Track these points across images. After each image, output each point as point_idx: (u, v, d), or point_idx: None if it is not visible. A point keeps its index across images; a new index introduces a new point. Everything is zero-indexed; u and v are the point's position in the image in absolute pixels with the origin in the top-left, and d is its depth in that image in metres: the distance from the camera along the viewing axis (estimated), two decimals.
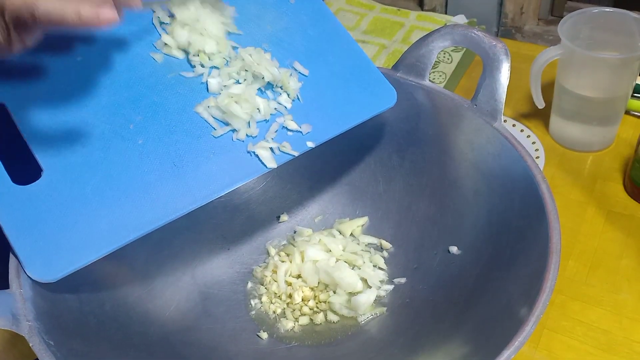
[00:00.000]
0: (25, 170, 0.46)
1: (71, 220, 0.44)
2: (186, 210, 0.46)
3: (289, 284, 0.57)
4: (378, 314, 0.55)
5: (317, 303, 0.57)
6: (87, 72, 0.48)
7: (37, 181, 0.45)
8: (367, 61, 0.55)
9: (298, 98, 0.52)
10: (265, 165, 0.48)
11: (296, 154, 0.49)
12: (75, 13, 0.37)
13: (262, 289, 0.58)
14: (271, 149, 0.49)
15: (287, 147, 0.49)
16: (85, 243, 0.44)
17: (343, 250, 0.59)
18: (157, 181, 0.46)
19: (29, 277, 0.43)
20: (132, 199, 0.45)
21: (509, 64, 0.53)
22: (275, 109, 0.50)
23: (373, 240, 0.61)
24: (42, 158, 0.46)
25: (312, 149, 0.50)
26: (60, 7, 0.37)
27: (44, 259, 0.43)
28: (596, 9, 0.70)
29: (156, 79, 0.49)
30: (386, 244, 0.61)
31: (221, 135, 0.48)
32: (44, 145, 0.46)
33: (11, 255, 0.44)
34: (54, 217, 0.44)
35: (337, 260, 0.58)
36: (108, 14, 0.37)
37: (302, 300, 0.56)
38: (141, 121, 0.48)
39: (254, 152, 0.48)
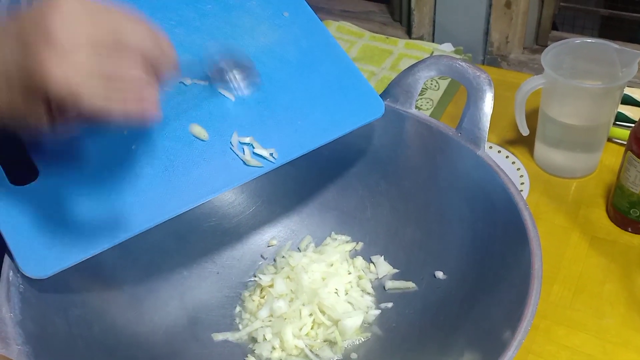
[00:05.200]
0: (23, 172, 0.47)
1: (65, 220, 0.45)
2: (176, 212, 0.47)
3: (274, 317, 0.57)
4: (364, 339, 0.56)
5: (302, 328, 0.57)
6: None
7: (33, 182, 0.46)
8: (358, 73, 0.57)
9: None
10: (253, 171, 0.50)
11: (285, 160, 0.51)
12: (121, 108, 0.36)
13: (250, 314, 0.58)
14: (262, 156, 0.50)
15: (276, 154, 0.51)
16: (78, 242, 0.45)
17: (331, 275, 0.59)
18: (148, 185, 0.47)
19: (19, 300, 0.44)
20: (124, 201, 0.47)
21: (492, 94, 0.54)
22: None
23: (361, 264, 0.61)
24: (39, 161, 0.47)
25: (302, 172, 0.51)
26: (107, 101, 0.36)
27: (37, 257, 0.44)
28: (578, 40, 0.72)
29: None
30: (374, 269, 0.61)
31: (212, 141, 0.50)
32: (41, 149, 0.47)
33: (2, 279, 0.44)
34: (48, 216, 0.45)
35: (324, 279, 0.58)
36: (152, 107, 0.37)
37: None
38: (134, 127, 0.49)
39: (243, 159, 0.50)
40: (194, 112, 0.51)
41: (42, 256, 0.44)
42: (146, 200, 0.47)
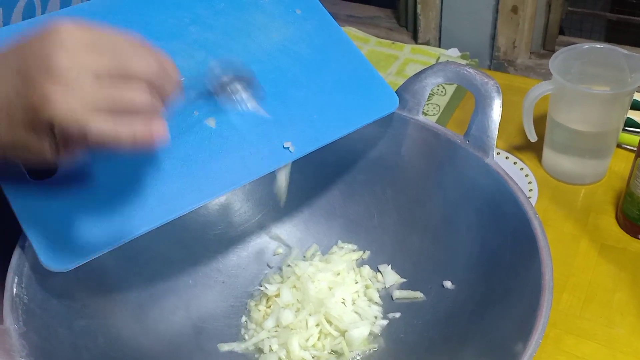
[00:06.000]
0: (41, 167, 0.46)
1: (84, 213, 0.45)
2: (195, 205, 0.47)
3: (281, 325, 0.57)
4: (372, 350, 0.55)
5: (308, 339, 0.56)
6: None
7: (52, 177, 0.46)
8: (371, 68, 0.58)
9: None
10: (270, 164, 0.50)
11: (302, 154, 0.52)
12: (130, 136, 0.35)
13: (256, 324, 0.58)
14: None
15: (293, 148, 0.52)
16: (98, 235, 0.45)
17: (338, 285, 0.58)
18: (167, 178, 0.47)
19: (23, 312, 0.43)
20: (142, 195, 0.47)
21: (500, 101, 0.54)
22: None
23: (368, 274, 0.61)
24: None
25: (308, 179, 0.53)
26: (114, 129, 0.35)
27: (58, 250, 0.44)
28: (586, 45, 0.71)
29: None
30: (381, 278, 0.61)
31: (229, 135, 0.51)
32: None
33: (6, 291, 0.44)
34: (67, 210, 0.45)
35: (331, 289, 0.58)
36: (160, 131, 0.36)
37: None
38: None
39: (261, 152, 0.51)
40: (210, 107, 0.51)
41: (63, 250, 0.44)
42: (165, 194, 0.47)
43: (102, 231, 0.45)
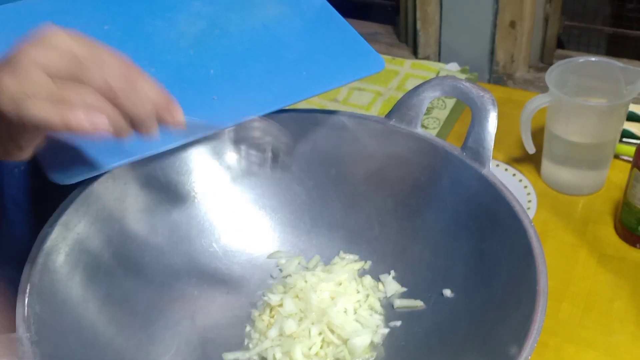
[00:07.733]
0: None
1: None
2: (183, 140, 0.51)
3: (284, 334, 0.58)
4: (373, 358, 0.56)
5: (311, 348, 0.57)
6: (113, 39, 0.55)
7: None
8: (360, 38, 0.62)
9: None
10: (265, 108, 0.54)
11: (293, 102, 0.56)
12: (60, 119, 0.35)
13: (260, 333, 0.59)
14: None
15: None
16: (100, 155, 0.48)
17: (340, 294, 0.59)
18: None
19: (35, 321, 0.45)
20: None
21: (496, 113, 0.55)
22: None
23: (369, 283, 0.62)
24: None
25: (310, 192, 0.56)
26: (44, 111, 0.35)
27: (63, 166, 0.48)
28: (582, 59, 0.73)
29: (171, 45, 0.56)
30: (382, 288, 0.62)
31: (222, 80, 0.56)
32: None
33: (19, 300, 0.45)
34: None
35: (333, 298, 0.59)
36: (100, 123, 0.36)
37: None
38: (154, 73, 0.50)
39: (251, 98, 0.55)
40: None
41: (67, 166, 0.48)
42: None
43: (104, 151, 0.48)
